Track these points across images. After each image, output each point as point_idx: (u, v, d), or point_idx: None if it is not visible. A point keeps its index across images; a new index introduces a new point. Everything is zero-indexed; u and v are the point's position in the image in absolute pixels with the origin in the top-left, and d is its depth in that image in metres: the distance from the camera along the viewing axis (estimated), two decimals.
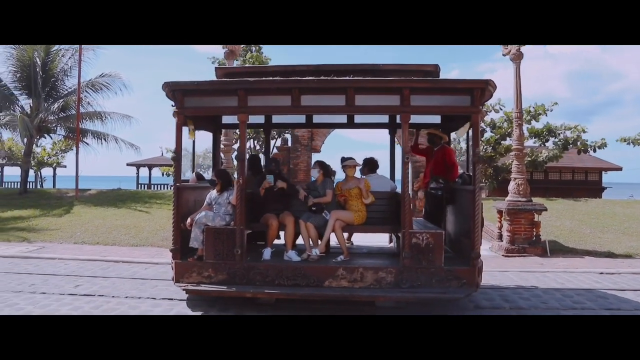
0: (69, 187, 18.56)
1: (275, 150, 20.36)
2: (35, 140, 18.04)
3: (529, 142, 21.22)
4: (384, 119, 6.96)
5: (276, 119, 7.01)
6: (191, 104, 5.55)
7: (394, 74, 5.46)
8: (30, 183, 24.40)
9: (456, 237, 6.23)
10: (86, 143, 17.72)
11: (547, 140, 20.60)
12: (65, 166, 27.47)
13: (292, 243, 5.72)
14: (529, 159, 19.80)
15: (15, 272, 7.36)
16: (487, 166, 20.84)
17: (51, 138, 18.60)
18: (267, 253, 5.70)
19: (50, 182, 29.12)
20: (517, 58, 9.58)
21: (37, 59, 16.34)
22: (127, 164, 29.51)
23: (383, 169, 6.91)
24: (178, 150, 5.52)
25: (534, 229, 9.54)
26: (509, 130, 20.03)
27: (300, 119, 6.87)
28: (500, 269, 7.92)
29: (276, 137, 21.83)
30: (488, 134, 20.69)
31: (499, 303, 5.89)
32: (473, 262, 5.33)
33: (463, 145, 21.77)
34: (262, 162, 6.70)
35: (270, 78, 5.39)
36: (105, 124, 18.18)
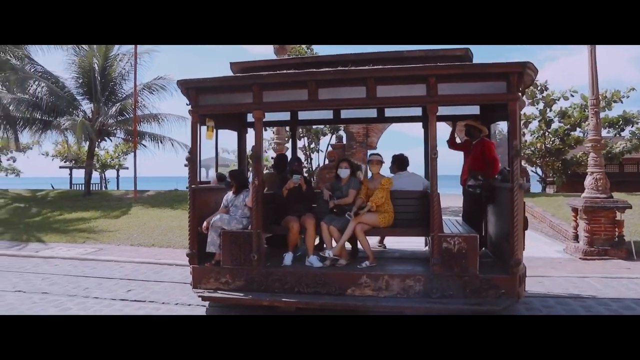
0: (130, 189, 19.35)
1: (330, 148, 20.06)
2: (97, 143, 18.89)
3: (602, 132, 19.50)
4: (417, 111, 6.41)
5: (302, 115, 6.68)
6: (206, 101, 5.33)
7: (419, 61, 4.95)
8: (96, 185, 25.67)
9: (497, 240, 5.59)
10: (144, 145, 18.32)
11: (622, 130, 18.81)
12: (127, 168, 28.66)
13: (313, 247, 5.36)
14: (603, 150, 18.23)
15: (73, 274, 7.52)
16: (555, 159, 19.37)
17: (111, 141, 19.39)
18: (288, 258, 5.38)
19: (114, 184, 30.51)
20: None
21: (96, 65, 17.05)
22: (185, 165, 30.30)
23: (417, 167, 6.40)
24: (193, 150, 5.33)
25: (616, 229, 8.45)
26: (580, 119, 18.50)
27: (328, 114, 6.49)
28: (579, 274, 7.06)
29: (331, 134, 21.54)
30: (556, 124, 19.24)
31: None
32: (512, 270, 4.72)
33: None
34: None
35: (285, 71, 5.05)
36: (161, 126, 18.68)
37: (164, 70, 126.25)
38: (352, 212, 5.29)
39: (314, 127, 21.30)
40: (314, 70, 4.98)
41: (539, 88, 19.07)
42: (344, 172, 5.53)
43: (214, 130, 6.00)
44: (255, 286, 5.14)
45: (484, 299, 4.74)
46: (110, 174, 30.16)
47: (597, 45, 8.60)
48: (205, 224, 5.27)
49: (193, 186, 5.32)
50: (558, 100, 19.13)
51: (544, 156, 19.43)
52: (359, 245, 5.62)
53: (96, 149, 20.66)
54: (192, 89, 5.27)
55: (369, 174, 5.67)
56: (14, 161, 29.52)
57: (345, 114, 6.48)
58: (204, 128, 5.78)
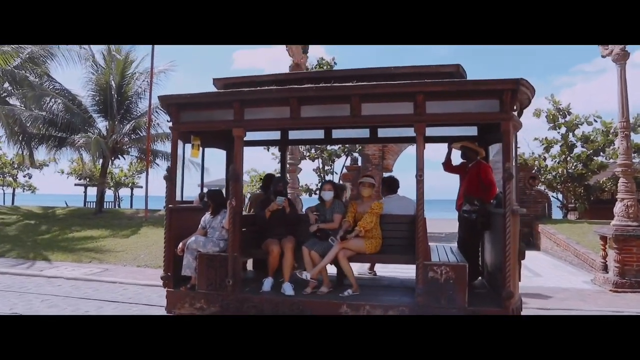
0: (142, 208, 19.39)
1: (344, 170, 19.76)
2: (111, 161, 19.05)
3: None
4: (411, 131, 6.10)
5: (293, 134, 6.46)
6: (187, 118, 5.16)
7: (407, 78, 4.68)
8: (110, 203, 25.80)
9: (493, 270, 5.20)
10: (156, 164, 18.40)
11: None
12: (141, 187, 28.82)
13: (289, 273, 5.05)
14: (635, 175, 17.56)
15: (73, 296, 7.34)
16: (577, 185, 18.65)
17: (124, 159, 19.55)
18: (267, 284, 5.09)
19: (128, 202, 30.74)
20: (622, 59, 8.21)
21: (113, 83, 17.31)
22: (198, 185, 30.40)
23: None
24: (172, 169, 5.15)
25: None
26: (603, 144, 17.84)
27: (319, 134, 6.25)
28: (612, 308, 6.53)
29: (346, 155, 21.25)
30: (579, 150, 18.60)
31: None
32: (505, 303, 4.32)
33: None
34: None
35: (267, 87, 4.86)
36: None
37: (179, 89, 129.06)
38: (338, 236, 4.98)
39: (328, 148, 21.09)
40: (296, 87, 4.77)
41: (561, 112, 18.55)
42: (327, 195, 5.25)
43: (200, 148, 5.82)
44: (230, 313, 4.86)
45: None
46: (124, 192, 30.44)
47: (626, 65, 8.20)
48: (180, 245, 5.04)
49: (170, 206, 5.12)
50: (581, 124, 18.54)
51: (566, 181, 18.76)
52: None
53: (110, 167, 20.87)
54: (172, 105, 5.11)
55: (349, 195, 5.37)
56: (30, 177, 30.10)
57: (336, 133, 6.23)
58: (188, 146, 5.61)
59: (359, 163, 19.01)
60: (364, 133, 6.18)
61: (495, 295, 4.80)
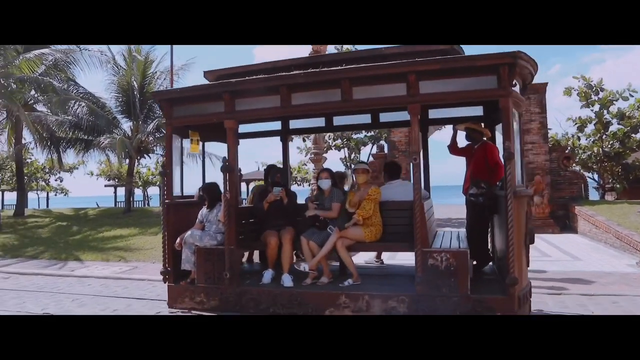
0: None
1: (371, 158, 19.47)
2: (137, 160, 19.39)
3: None
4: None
5: (295, 123, 6.33)
6: (180, 112, 5.12)
7: (399, 58, 4.47)
8: (139, 202, 26.27)
9: (501, 256, 4.95)
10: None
11: None
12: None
13: (289, 264, 4.96)
14: None
15: (103, 295, 7.42)
16: (615, 164, 17.79)
17: (150, 158, 19.87)
18: (267, 276, 5.01)
19: (157, 201, 31.23)
20: None
21: (135, 83, 17.59)
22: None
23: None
24: (167, 164, 5.13)
25: None
26: None
27: (320, 122, 6.10)
28: None
29: (372, 144, 20.93)
30: (614, 127, 17.72)
31: None
32: (509, 290, 4.09)
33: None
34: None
35: (255, 77, 4.75)
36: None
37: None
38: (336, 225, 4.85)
39: (353, 136, 20.80)
40: (284, 74, 4.65)
41: (593, 89, 17.68)
42: (325, 184, 5.10)
43: (199, 142, 5.79)
44: (229, 306, 4.82)
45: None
46: (153, 190, 30.95)
47: None
48: (178, 240, 5.02)
49: (167, 201, 5.10)
50: (616, 101, 17.62)
51: (602, 161, 17.93)
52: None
53: (137, 166, 21.27)
54: (164, 100, 5.08)
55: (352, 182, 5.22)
56: (61, 181, 31.07)
57: (338, 120, 6.07)
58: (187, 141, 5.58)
59: (386, 150, 18.61)
60: (366, 119, 6.00)
61: (502, 282, 4.56)
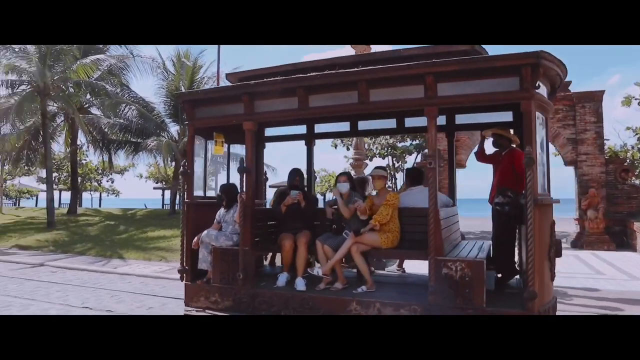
0: None
1: (414, 166, 19.14)
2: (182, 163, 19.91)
3: None
4: (441, 119, 5.72)
5: (320, 127, 6.29)
6: (202, 114, 5.22)
7: (418, 60, 4.34)
8: None
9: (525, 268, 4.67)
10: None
11: None
12: (214, 188, 29.87)
13: (303, 268, 4.90)
14: None
15: (141, 292, 7.69)
16: None
17: (196, 161, 20.34)
18: (282, 279, 4.99)
19: None
20: None
21: (183, 88, 18.18)
22: (270, 186, 30.96)
23: None
24: (189, 165, 5.23)
25: None
26: None
27: (345, 126, 6.04)
28: None
29: (416, 152, 20.51)
30: None
31: None
32: (527, 305, 3.85)
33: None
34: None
35: (273, 78, 4.76)
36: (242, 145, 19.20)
37: None
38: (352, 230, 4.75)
39: (398, 145, 20.46)
40: (302, 75, 4.63)
41: None
42: (343, 187, 5.01)
43: (223, 144, 5.87)
44: (242, 307, 4.83)
45: None
46: (199, 193, 31.63)
47: None
48: (195, 239, 5.10)
49: (187, 201, 5.19)
50: None
51: None
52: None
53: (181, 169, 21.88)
54: (187, 102, 5.19)
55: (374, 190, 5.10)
56: (112, 182, 32.45)
57: (363, 125, 5.98)
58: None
59: None
60: (391, 123, 5.89)
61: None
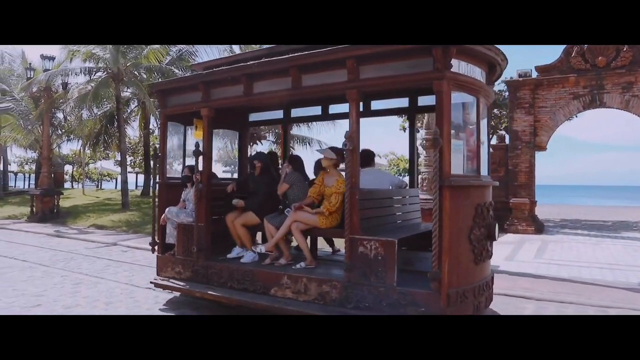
0: None
1: (490, 150, 18.05)
2: (250, 146, 20.67)
3: None
4: (404, 102, 5.71)
5: (296, 112, 6.52)
6: (172, 102, 5.71)
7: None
8: None
9: None
10: (292, 148, 19.61)
11: None
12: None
13: (248, 242, 5.30)
14: None
15: None
16: None
17: (261, 144, 21.10)
18: (234, 252, 5.42)
19: None
20: None
21: None
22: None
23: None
24: (162, 149, 5.75)
25: None
26: None
27: (317, 110, 6.22)
28: None
29: (491, 133, 19.49)
30: None
31: None
32: (432, 285, 3.89)
33: None
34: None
35: (221, 68, 5.11)
36: (310, 128, 19.67)
37: None
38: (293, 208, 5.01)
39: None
40: (243, 64, 4.93)
41: None
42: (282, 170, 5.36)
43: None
44: (198, 278, 5.30)
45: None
46: None
47: None
48: (163, 216, 5.63)
49: (158, 181, 5.75)
50: None
51: None
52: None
53: (250, 152, 22.72)
54: (158, 91, 5.72)
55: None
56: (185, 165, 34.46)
57: (334, 109, 6.12)
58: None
59: (507, 141, 16.79)
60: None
61: None
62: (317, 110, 6.24)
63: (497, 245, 10.05)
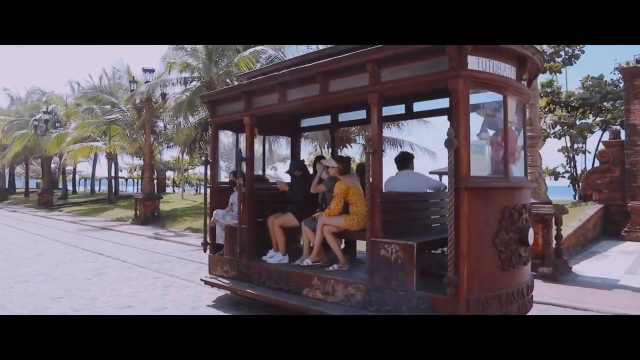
0: None
1: (601, 147, 16.59)
2: (340, 149, 20.85)
3: None
4: (444, 103, 5.55)
5: (343, 117, 6.60)
6: (220, 112, 6.10)
7: None
8: None
9: None
10: (382, 150, 19.45)
11: None
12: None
13: (282, 245, 5.57)
14: None
15: None
16: None
17: (351, 147, 21.14)
18: (269, 254, 5.67)
19: None
20: None
21: None
22: (430, 172, 30.27)
23: None
24: (213, 155, 6.17)
25: None
26: None
27: (362, 114, 6.26)
28: None
29: (602, 130, 17.83)
30: None
31: None
32: (448, 291, 3.79)
33: None
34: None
35: (257, 78, 5.39)
36: (401, 129, 19.51)
37: None
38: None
39: (577, 122, 17.93)
40: (276, 73, 5.16)
41: None
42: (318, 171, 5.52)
43: (256, 135, 6.66)
44: (242, 277, 5.61)
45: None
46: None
47: None
48: (212, 218, 6.04)
49: (209, 185, 6.17)
50: None
51: None
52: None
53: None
54: (209, 102, 6.15)
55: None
56: (276, 170, 35.59)
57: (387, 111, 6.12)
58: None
59: (622, 136, 15.15)
60: (400, 109, 5.95)
61: None
62: (361, 114, 6.26)
63: (616, 256, 9.34)
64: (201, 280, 6.09)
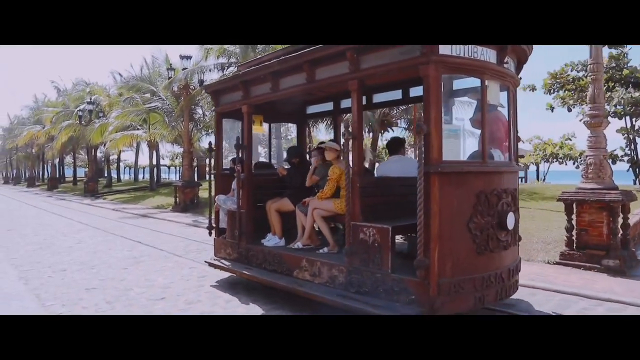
0: None
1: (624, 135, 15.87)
2: (380, 134, 20.74)
3: None
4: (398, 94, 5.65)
5: (345, 103, 6.67)
6: (224, 101, 6.33)
7: None
8: None
9: None
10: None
11: None
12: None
13: (278, 228, 5.78)
14: None
15: None
16: None
17: (392, 131, 20.85)
18: (268, 237, 5.88)
19: None
20: None
21: None
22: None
23: None
24: (218, 143, 6.44)
25: None
26: None
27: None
28: None
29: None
30: None
31: None
32: (418, 273, 3.88)
33: None
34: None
35: (252, 67, 5.56)
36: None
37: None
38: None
39: None
40: (267, 63, 5.32)
41: None
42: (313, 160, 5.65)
43: (262, 124, 6.88)
44: (242, 259, 5.88)
45: (393, 303, 4.09)
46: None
47: None
48: (216, 203, 6.32)
49: (214, 172, 6.45)
50: None
51: None
52: None
53: (381, 140, 22.52)
54: (212, 92, 6.40)
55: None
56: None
57: (376, 98, 6.18)
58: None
59: None
60: (397, 95, 5.99)
61: None
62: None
63: None
64: (205, 262, 6.40)
